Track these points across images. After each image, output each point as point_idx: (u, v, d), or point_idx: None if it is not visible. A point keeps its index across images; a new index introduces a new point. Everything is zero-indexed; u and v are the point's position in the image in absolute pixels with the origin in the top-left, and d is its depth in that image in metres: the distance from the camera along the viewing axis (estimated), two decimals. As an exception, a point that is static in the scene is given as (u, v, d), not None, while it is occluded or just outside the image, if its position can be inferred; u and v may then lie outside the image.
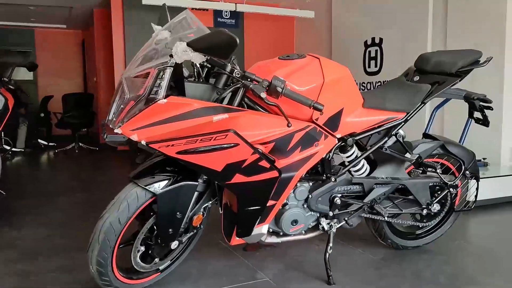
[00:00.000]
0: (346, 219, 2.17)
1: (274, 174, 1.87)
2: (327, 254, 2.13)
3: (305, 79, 1.90)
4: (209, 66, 1.91)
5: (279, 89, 1.71)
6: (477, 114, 2.47)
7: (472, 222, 3.10)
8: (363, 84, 5.99)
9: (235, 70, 1.78)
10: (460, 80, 2.19)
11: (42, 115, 7.52)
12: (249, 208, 1.91)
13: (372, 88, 5.94)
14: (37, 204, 3.64)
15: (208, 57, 1.87)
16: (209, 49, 1.61)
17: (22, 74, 9.40)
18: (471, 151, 2.46)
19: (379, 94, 2.19)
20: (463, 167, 2.40)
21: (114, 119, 1.74)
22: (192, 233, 2.03)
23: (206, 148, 1.73)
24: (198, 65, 1.89)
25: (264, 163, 1.83)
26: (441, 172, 2.33)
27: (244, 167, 1.80)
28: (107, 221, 1.76)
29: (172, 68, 1.67)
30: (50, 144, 7.56)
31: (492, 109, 2.39)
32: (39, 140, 7.51)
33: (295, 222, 2.06)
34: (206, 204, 2.02)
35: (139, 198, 1.79)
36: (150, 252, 1.96)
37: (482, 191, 3.28)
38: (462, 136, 3.48)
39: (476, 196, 2.50)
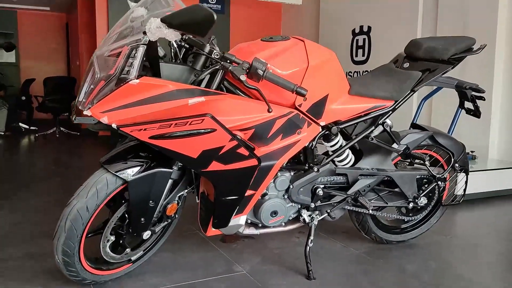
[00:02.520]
0: (329, 211, 2.08)
1: (253, 162, 1.76)
2: (308, 247, 2.03)
3: (289, 63, 1.79)
4: (187, 46, 1.79)
5: (260, 72, 1.60)
6: (468, 105, 2.39)
7: (458, 216, 3.04)
8: (350, 74, 5.90)
9: (214, 51, 1.66)
10: (452, 68, 2.10)
11: (23, 98, 7.31)
12: (226, 198, 1.81)
13: (360, 79, 5.86)
14: (14, 189, 3.50)
15: (186, 36, 1.76)
16: (184, 25, 1.49)
17: (4, 56, 9.14)
18: (461, 143, 2.37)
19: (366, 80, 2.09)
20: (452, 159, 2.31)
21: (84, 100, 1.62)
22: (166, 222, 1.92)
23: (181, 133, 1.61)
24: (176, 45, 1.77)
25: (242, 151, 1.72)
26: (429, 164, 2.25)
27: (221, 154, 1.70)
28: (74, 208, 1.64)
29: (145, 46, 1.54)
30: (31, 128, 7.37)
31: (484, 99, 2.31)
32: (20, 124, 7.31)
33: (274, 213, 1.96)
34: (182, 193, 1.91)
35: (109, 185, 1.67)
36: (121, 241, 1.85)
37: (470, 184, 3.23)
38: (451, 127, 3.42)
39: (465, 190, 2.42)
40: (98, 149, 5.79)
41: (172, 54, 1.80)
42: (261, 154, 1.80)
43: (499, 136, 4.16)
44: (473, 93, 2.24)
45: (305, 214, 2.06)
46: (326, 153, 2.14)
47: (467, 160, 2.39)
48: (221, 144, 1.68)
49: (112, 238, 1.80)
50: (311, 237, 2.05)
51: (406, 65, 2.18)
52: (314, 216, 2.06)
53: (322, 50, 1.91)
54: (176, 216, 1.98)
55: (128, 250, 1.87)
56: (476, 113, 2.33)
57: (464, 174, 2.39)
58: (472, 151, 3.95)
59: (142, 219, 1.77)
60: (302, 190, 2.00)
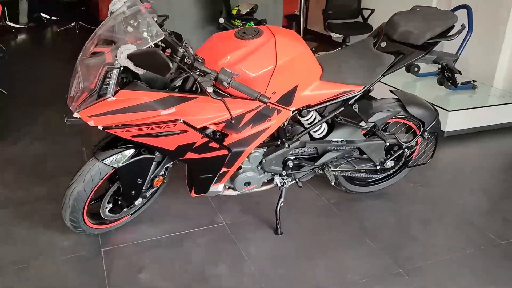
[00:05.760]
0: (297, 179, 2.36)
1: (223, 152, 2.02)
2: (279, 207, 2.37)
3: (258, 64, 1.91)
4: (164, 46, 1.92)
5: (226, 84, 1.75)
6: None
7: (439, 155, 3.25)
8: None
9: (186, 57, 1.79)
10: (426, 54, 2.15)
11: (41, -14, 7.31)
12: (203, 176, 2.11)
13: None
14: (36, 110, 3.88)
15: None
16: (146, 67, 1.64)
17: None
18: (434, 110, 2.50)
19: (339, 63, 2.18)
20: (422, 128, 2.48)
21: (73, 103, 1.85)
22: (155, 188, 2.28)
23: (158, 134, 1.86)
24: (153, 45, 1.90)
25: (213, 144, 1.97)
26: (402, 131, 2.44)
27: (194, 147, 1.96)
28: (75, 191, 1.99)
29: (118, 69, 1.71)
30: (52, 18, 7.51)
31: (461, 74, 2.39)
32: (42, 14, 7.43)
33: (248, 183, 2.26)
34: (167, 165, 2.22)
35: (101, 172, 1.99)
36: (119, 203, 2.23)
37: (460, 121, 3.40)
38: (460, 48, 3.51)
39: (433, 152, 2.62)
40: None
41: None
42: (233, 141, 2.04)
43: (508, 65, 4.11)
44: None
45: (277, 179, 2.36)
46: (300, 122, 2.33)
47: (439, 125, 2.54)
48: (194, 141, 1.93)
49: (110, 205, 2.19)
50: (282, 199, 2.38)
51: (383, 44, 2.23)
52: (285, 181, 2.36)
53: (292, 45, 2.00)
54: (165, 181, 2.31)
55: (125, 209, 2.26)
56: (453, 82, 2.42)
57: (434, 139, 2.57)
58: (473, 81, 3.98)
59: (133, 192, 2.12)
60: (274, 162, 2.27)
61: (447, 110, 3.45)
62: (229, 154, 2.04)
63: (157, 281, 2.01)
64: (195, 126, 1.87)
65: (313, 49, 6.66)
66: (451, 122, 3.48)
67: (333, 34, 5.88)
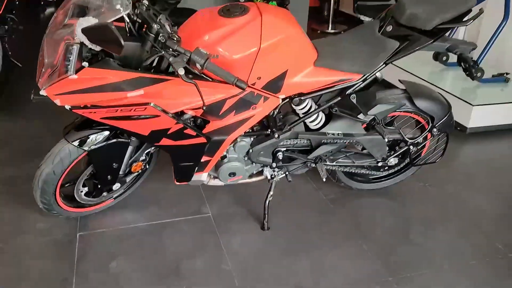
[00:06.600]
0: (287, 173, 2.19)
1: (201, 140, 1.87)
2: (267, 201, 2.21)
3: (240, 45, 1.74)
4: (140, 21, 1.78)
5: (199, 66, 1.60)
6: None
7: (456, 153, 2.99)
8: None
9: (160, 35, 1.64)
10: (434, 41, 1.90)
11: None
12: (183, 164, 1.98)
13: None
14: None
15: (138, 10, 1.75)
16: (99, 43, 1.50)
17: None
18: (446, 104, 2.26)
19: (337, 48, 1.98)
20: (431, 123, 2.24)
21: (40, 79, 1.74)
22: (136, 173, 2.16)
23: (128, 117, 1.73)
24: (128, 20, 1.76)
25: (189, 131, 1.83)
26: (407, 126, 2.21)
27: (169, 134, 1.82)
28: (43, 173, 1.90)
29: (78, 45, 1.58)
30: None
31: (477, 64, 2.13)
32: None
33: (233, 174, 2.11)
34: (149, 150, 2.10)
35: (72, 154, 1.89)
36: (98, 186, 2.13)
37: (484, 117, 3.15)
38: (493, 36, 3.24)
39: (444, 150, 2.38)
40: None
41: (127, 29, 1.79)
42: (214, 128, 1.89)
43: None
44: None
45: (267, 171, 2.19)
46: (295, 112, 2.15)
47: (451, 121, 2.29)
48: (167, 127, 1.79)
49: (85, 189, 2.09)
50: (271, 192, 2.21)
51: (389, 28, 2.00)
52: (275, 174, 2.19)
53: (281, 25, 1.81)
54: (147, 166, 2.20)
55: (104, 193, 2.16)
56: (470, 75, 2.16)
57: (445, 136, 2.33)
58: (507, 73, 3.63)
59: (109, 177, 2.02)
60: (262, 153, 2.10)
61: (471, 104, 3.16)
62: (208, 143, 1.90)
63: (127, 272, 1.91)
64: (167, 111, 1.73)
65: (342, 32, 6.36)
66: (475, 118, 3.19)
67: (362, 17, 5.56)
